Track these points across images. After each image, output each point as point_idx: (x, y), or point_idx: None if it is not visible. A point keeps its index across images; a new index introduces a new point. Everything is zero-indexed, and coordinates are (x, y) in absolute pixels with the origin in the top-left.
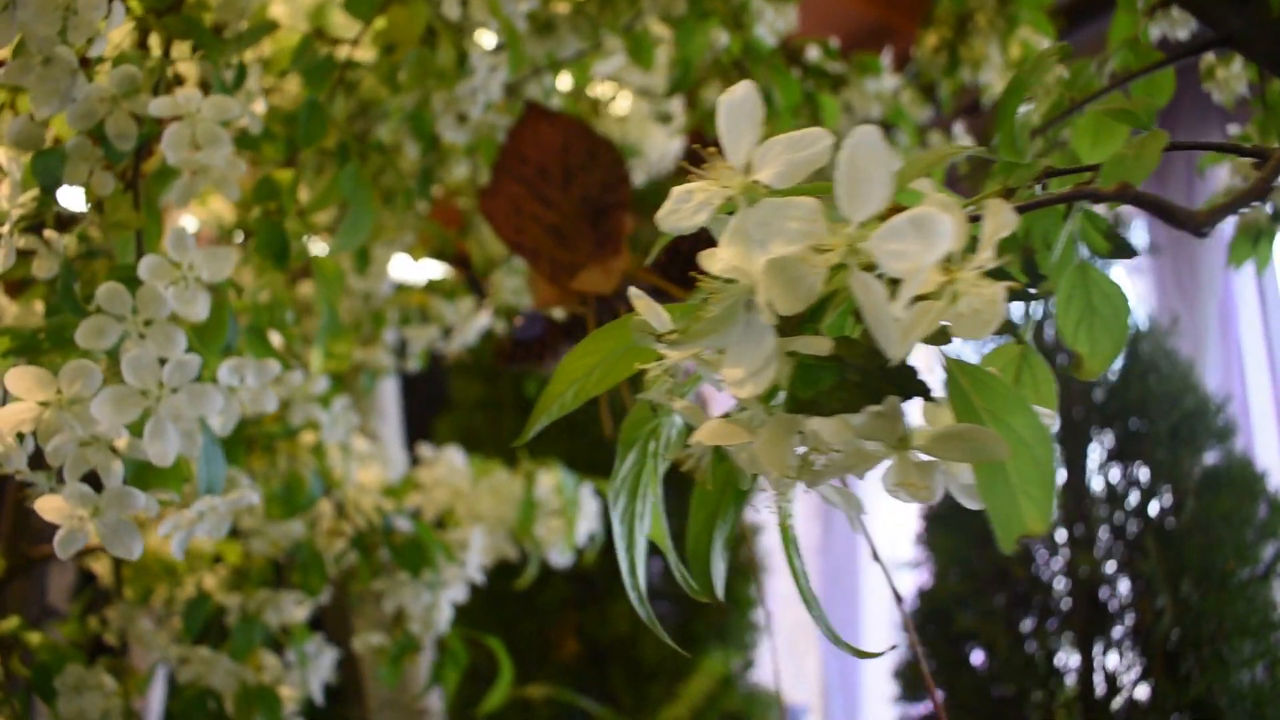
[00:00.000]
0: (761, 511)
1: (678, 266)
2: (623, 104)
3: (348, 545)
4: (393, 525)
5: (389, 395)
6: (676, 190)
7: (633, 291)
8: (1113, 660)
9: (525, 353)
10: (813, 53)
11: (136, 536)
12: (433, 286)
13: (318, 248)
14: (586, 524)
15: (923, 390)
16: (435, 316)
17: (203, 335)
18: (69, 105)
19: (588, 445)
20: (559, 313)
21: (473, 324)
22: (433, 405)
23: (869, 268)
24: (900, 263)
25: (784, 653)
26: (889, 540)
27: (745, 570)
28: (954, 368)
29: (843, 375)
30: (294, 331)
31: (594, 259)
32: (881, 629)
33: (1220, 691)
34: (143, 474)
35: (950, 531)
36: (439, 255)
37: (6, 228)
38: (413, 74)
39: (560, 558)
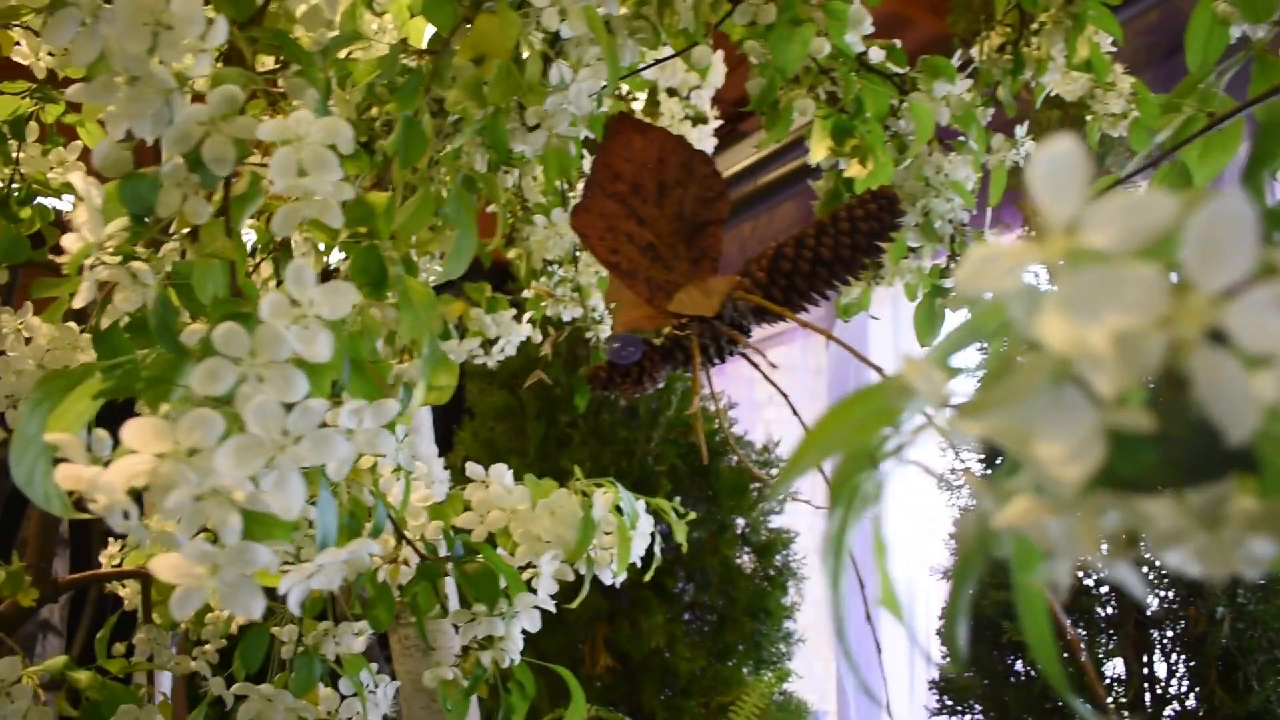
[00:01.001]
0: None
1: (779, 285)
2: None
3: (416, 575)
4: (462, 553)
5: (423, 410)
6: (979, 250)
7: (910, 362)
8: (1162, 669)
9: (623, 378)
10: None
11: (258, 595)
12: (472, 297)
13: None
14: (641, 542)
15: (1253, 467)
16: (475, 328)
17: (313, 375)
18: (163, 128)
19: (614, 453)
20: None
21: (513, 336)
22: (450, 415)
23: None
24: (1263, 339)
25: (799, 658)
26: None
27: (777, 580)
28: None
29: (1167, 452)
30: (388, 363)
31: (690, 278)
32: (898, 633)
33: None
34: (250, 526)
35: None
36: (477, 265)
37: (91, 259)
38: (501, 87)
39: (612, 578)
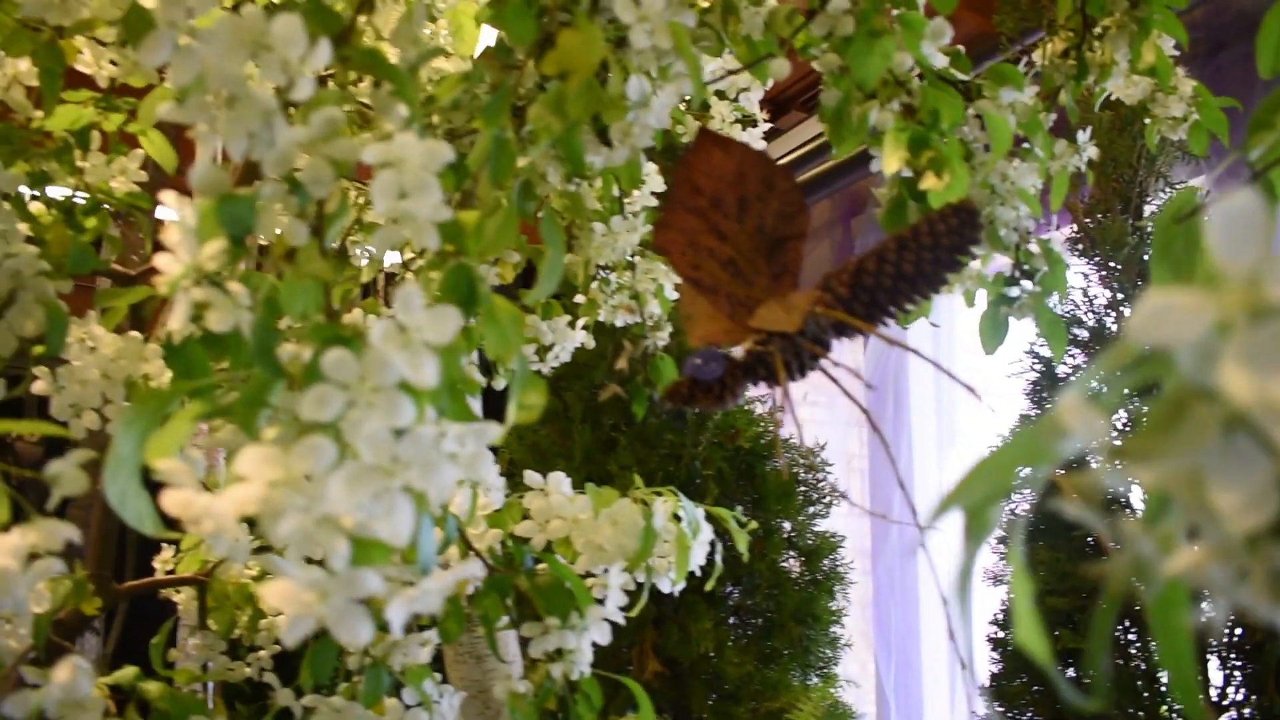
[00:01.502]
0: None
1: (861, 301)
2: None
3: (485, 587)
4: (532, 566)
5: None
6: (1155, 300)
7: (1067, 404)
8: (1220, 676)
9: (704, 394)
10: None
11: (365, 620)
12: (527, 304)
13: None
14: (701, 551)
15: None
16: (530, 335)
17: (416, 400)
18: (264, 149)
19: (660, 457)
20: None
21: (568, 342)
22: (493, 418)
23: None
24: None
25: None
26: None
27: (824, 585)
28: None
29: None
30: (475, 383)
31: (770, 294)
32: (938, 635)
33: None
34: (353, 551)
35: (1049, 545)
36: (530, 271)
37: (189, 280)
38: (583, 102)
39: (671, 586)
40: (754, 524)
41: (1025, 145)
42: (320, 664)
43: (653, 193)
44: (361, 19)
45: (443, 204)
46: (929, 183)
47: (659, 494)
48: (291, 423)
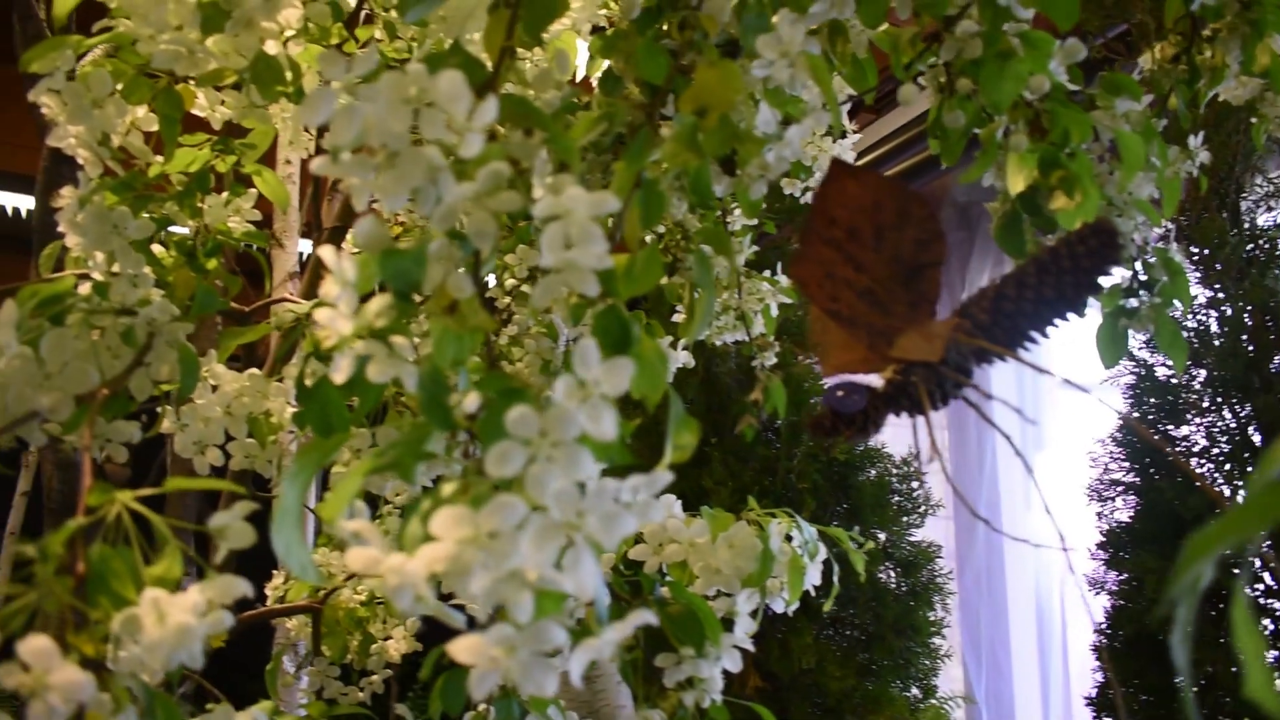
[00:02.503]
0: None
1: (1002, 327)
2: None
3: (612, 617)
4: (661, 594)
5: None
6: None
7: None
8: None
9: (847, 425)
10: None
11: (552, 673)
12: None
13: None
14: (815, 571)
15: None
16: None
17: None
18: (430, 205)
19: (754, 471)
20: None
21: (671, 362)
22: None
23: None
24: None
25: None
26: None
27: (924, 596)
28: None
29: None
30: (629, 423)
31: (909, 323)
32: (1029, 643)
33: None
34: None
35: (1155, 549)
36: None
37: (357, 338)
38: (718, 138)
39: (784, 607)
40: (870, 544)
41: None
42: (453, 695)
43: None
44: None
45: (606, 253)
46: (1060, 203)
47: (773, 515)
48: (470, 477)
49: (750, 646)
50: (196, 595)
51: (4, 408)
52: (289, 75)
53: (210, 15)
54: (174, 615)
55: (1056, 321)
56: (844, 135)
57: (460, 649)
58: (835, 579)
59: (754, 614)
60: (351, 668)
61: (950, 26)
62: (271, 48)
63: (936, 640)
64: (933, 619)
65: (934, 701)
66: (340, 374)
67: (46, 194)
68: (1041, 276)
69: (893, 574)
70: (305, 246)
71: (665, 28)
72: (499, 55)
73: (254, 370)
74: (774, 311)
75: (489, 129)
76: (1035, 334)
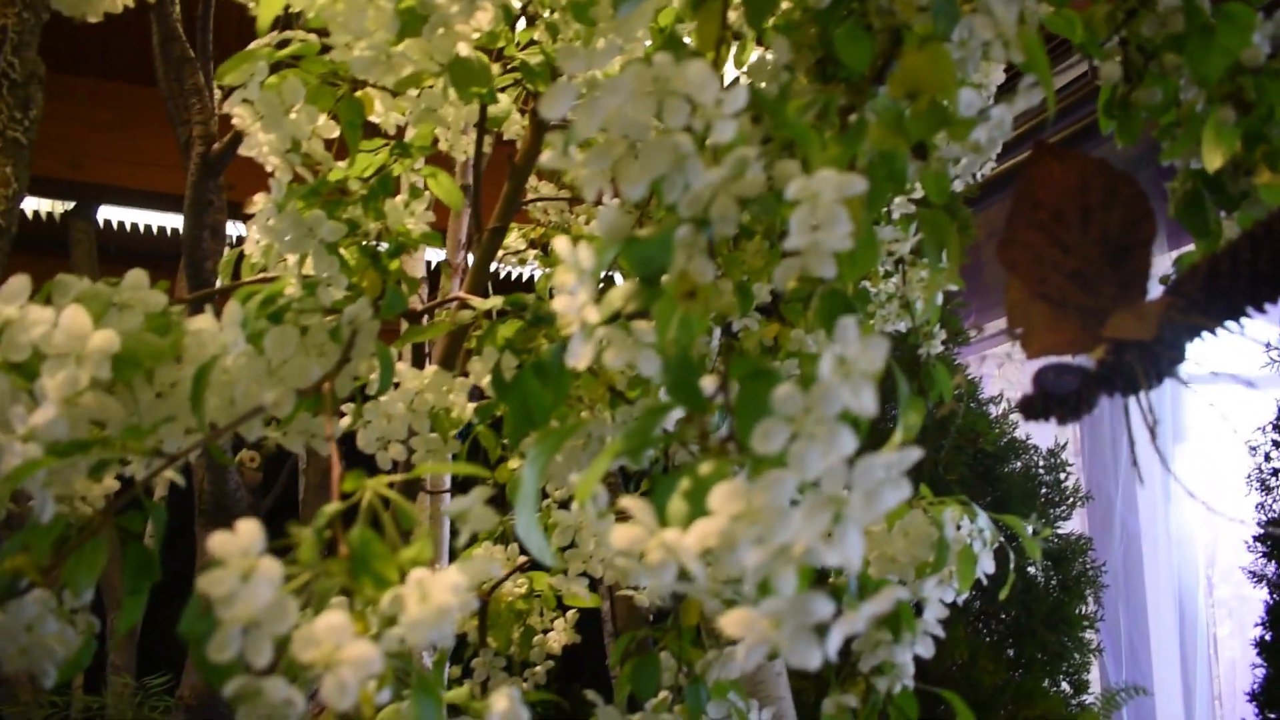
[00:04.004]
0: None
1: (1216, 303)
2: None
3: None
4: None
5: None
6: None
7: None
8: None
9: (1059, 406)
10: None
11: (816, 645)
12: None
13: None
14: (988, 559)
15: None
16: (793, 348)
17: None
18: (678, 192)
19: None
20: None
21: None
22: None
23: None
24: None
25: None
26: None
27: (1075, 589)
28: None
29: None
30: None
31: (1119, 303)
32: (1168, 635)
33: None
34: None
35: None
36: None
37: (592, 324)
38: (928, 121)
39: (954, 596)
40: (1047, 530)
41: None
42: (644, 681)
43: (910, 199)
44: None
45: (849, 235)
46: (1264, 178)
47: (943, 503)
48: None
49: (941, 633)
50: (456, 575)
51: (232, 403)
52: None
53: (408, 20)
54: (436, 595)
55: (1274, 296)
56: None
57: (731, 623)
58: (1011, 567)
59: (944, 601)
60: (513, 660)
61: (1148, 3)
62: (464, 50)
63: (1088, 635)
64: (1083, 613)
65: (1090, 699)
66: (583, 360)
67: (196, 210)
68: (1255, 251)
69: (1042, 567)
70: (432, 254)
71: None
72: (714, 46)
73: (436, 367)
74: (938, 300)
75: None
76: (1250, 309)
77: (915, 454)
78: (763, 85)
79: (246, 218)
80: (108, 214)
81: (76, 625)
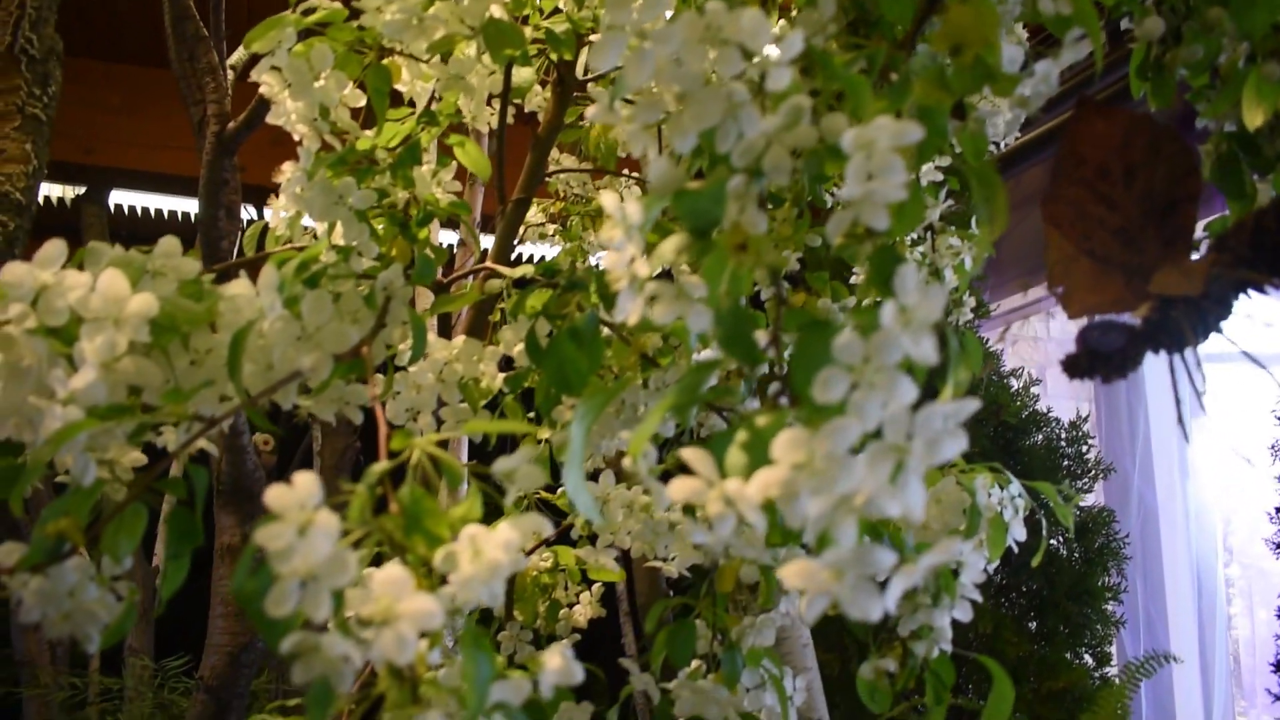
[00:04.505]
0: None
1: (1264, 258)
2: None
3: None
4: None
5: None
6: None
7: None
8: None
9: (1104, 364)
10: None
11: (877, 596)
12: (813, 286)
13: None
14: (1018, 527)
15: None
16: (822, 316)
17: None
18: (732, 141)
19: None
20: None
21: None
22: None
23: None
24: None
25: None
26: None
27: (1097, 561)
28: None
29: None
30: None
31: (1165, 259)
32: (1186, 608)
33: None
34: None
35: None
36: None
37: (643, 278)
38: (970, 76)
39: (985, 563)
40: (1077, 497)
41: None
42: (679, 647)
43: (937, 167)
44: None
45: (904, 185)
46: None
47: (975, 470)
48: (770, 410)
49: (979, 597)
50: (508, 532)
51: (269, 368)
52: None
53: None
54: (489, 551)
55: None
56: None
57: (791, 573)
58: (1044, 533)
59: (982, 567)
60: (540, 633)
61: None
62: (497, 11)
63: (1110, 607)
64: (1106, 585)
65: (1111, 671)
66: (633, 315)
67: (211, 190)
68: None
69: (1064, 539)
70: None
71: None
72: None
73: (465, 336)
74: (968, 265)
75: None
76: None
77: (973, 404)
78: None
79: (258, 200)
80: (119, 199)
81: (117, 592)
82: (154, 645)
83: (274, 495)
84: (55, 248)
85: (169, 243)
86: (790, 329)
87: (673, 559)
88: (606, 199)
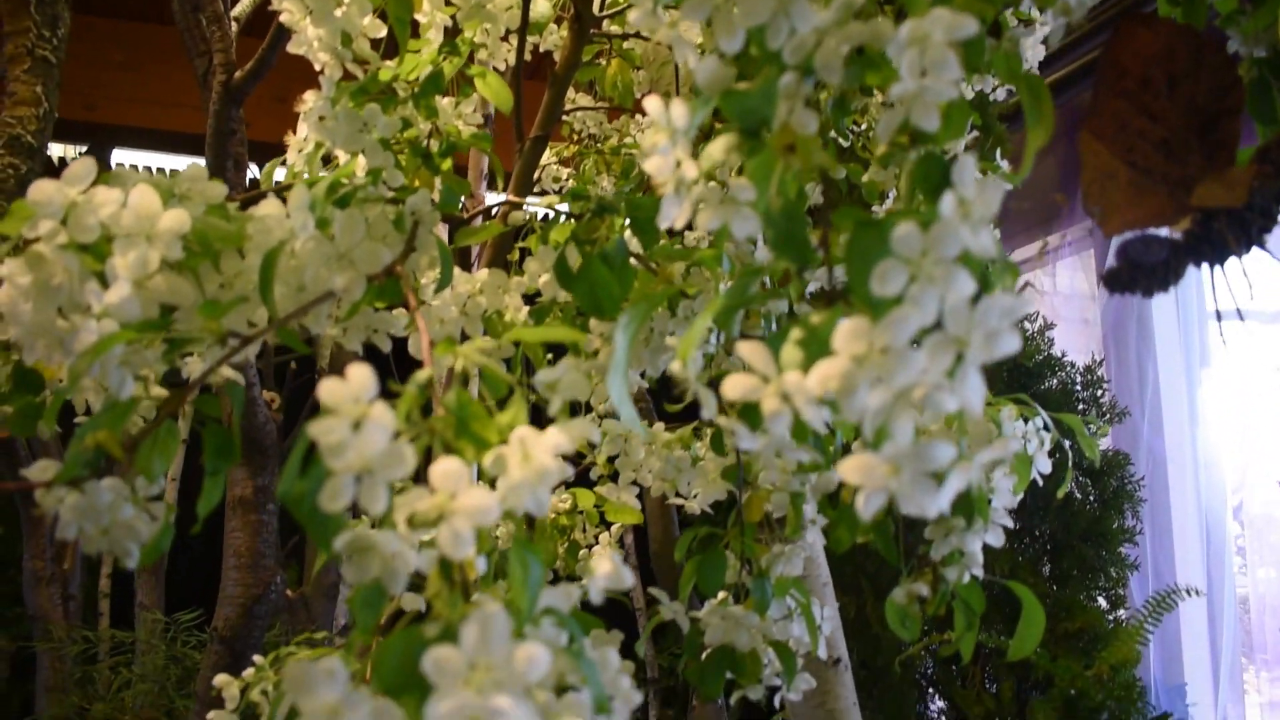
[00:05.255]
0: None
1: None
2: None
3: None
4: None
5: None
6: None
7: None
8: None
9: (1146, 277)
10: None
11: (934, 492)
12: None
13: None
14: (1043, 459)
15: None
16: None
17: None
18: (782, 38)
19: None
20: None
21: None
22: None
23: None
24: None
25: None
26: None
27: (1113, 504)
28: None
29: None
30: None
31: (1207, 171)
32: (1194, 558)
33: None
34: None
35: None
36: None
37: (690, 179)
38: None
39: (1011, 495)
40: (1105, 428)
41: None
42: (709, 576)
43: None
44: None
45: (957, 82)
46: None
47: (1001, 401)
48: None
49: (1011, 523)
50: (558, 436)
51: (300, 289)
52: None
53: None
54: (539, 455)
55: None
56: (1029, 23)
57: (849, 468)
58: (1070, 464)
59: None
60: (559, 574)
61: None
62: None
63: (1124, 549)
64: (1120, 527)
65: (1125, 614)
66: (681, 217)
67: (218, 140)
68: None
69: (1078, 483)
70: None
71: None
72: None
73: (488, 269)
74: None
75: None
76: None
77: (1027, 301)
78: None
79: (262, 157)
80: (121, 157)
81: (152, 512)
82: (165, 601)
83: (327, 390)
84: (84, 165)
85: (195, 168)
86: (844, 227)
87: (693, 496)
88: (650, 103)
